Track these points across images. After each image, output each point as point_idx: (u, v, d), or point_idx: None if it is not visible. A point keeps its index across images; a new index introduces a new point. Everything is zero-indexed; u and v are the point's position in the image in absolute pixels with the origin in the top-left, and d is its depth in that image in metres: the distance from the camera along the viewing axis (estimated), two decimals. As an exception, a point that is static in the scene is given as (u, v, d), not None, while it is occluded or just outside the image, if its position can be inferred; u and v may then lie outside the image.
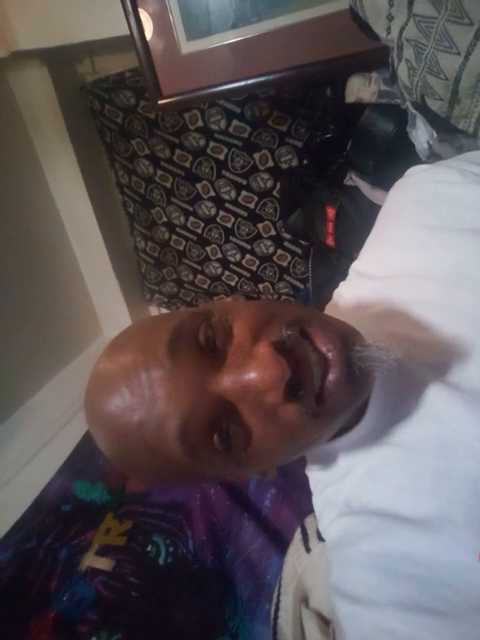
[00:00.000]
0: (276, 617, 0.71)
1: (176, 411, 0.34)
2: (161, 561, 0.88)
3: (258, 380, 0.34)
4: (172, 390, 0.34)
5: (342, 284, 0.57)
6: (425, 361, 0.43)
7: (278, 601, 0.72)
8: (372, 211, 0.67)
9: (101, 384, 0.37)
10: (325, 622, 0.66)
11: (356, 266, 0.56)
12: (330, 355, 0.35)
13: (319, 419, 0.36)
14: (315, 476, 0.51)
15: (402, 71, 0.46)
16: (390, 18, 0.45)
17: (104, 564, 0.89)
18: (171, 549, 0.90)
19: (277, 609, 0.71)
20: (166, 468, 0.37)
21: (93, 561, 0.90)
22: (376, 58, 0.64)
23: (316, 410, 0.35)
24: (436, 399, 0.41)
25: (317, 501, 0.49)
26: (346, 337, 0.37)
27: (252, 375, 0.34)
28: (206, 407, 0.35)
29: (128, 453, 0.37)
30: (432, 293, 0.45)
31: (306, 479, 0.52)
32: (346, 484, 0.44)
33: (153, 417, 0.34)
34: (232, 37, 0.74)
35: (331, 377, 0.35)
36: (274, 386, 0.33)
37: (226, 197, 1.18)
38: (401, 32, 0.43)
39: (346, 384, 0.36)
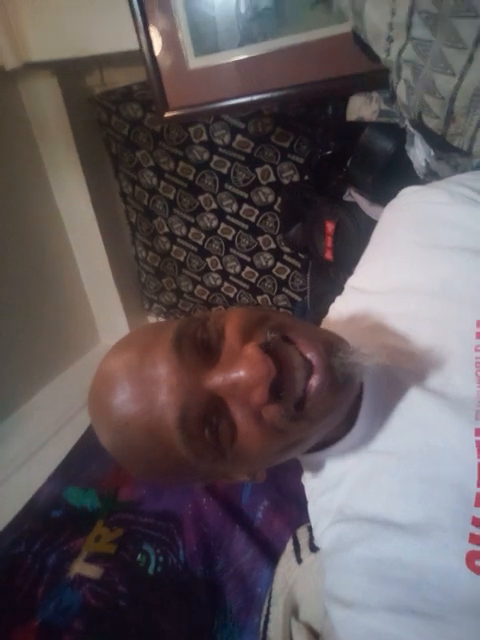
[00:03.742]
0: (265, 629, 0.70)
1: (177, 402, 0.36)
2: (151, 570, 0.87)
3: (247, 377, 0.36)
4: (175, 383, 0.37)
5: (338, 299, 0.59)
6: (413, 371, 0.44)
7: (268, 613, 0.71)
8: (370, 226, 0.68)
9: (105, 380, 0.40)
10: (314, 635, 0.65)
11: (351, 282, 0.58)
12: (314, 360, 0.37)
13: (298, 423, 0.38)
14: (310, 485, 0.52)
15: (401, 90, 0.48)
16: (390, 40, 0.47)
17: (93, 572, 0.88)
18: (161, 559, 0.89)
19: (267, 621, 0.70)
20: (163, 458, 0.39)
21: (82, 568, 0.88)
22: (377, 79, 0.66)
23: (294, 414, 0.37)
24: (424, 407, 0.42)
25: (312, 509, 0.50)
26: (329, 344, 0.39)
27: (241, 373, 0.36)
28: (201, 401, 0.37)
29: (128, 442, 0.39)
30: (421, 307, 0.47)
31: (299, 492, 0.53)
32: (339, 492, 0.45)
33: (156, 407, 0.37)
34: (239, 55, 0.77)
35: (314, 382, 0.37)
36: (261, 382, 0.36)
37: (228, 210, 1.20)
38: (400, 54, 0.46)
39: (328, 389, 0.38)
